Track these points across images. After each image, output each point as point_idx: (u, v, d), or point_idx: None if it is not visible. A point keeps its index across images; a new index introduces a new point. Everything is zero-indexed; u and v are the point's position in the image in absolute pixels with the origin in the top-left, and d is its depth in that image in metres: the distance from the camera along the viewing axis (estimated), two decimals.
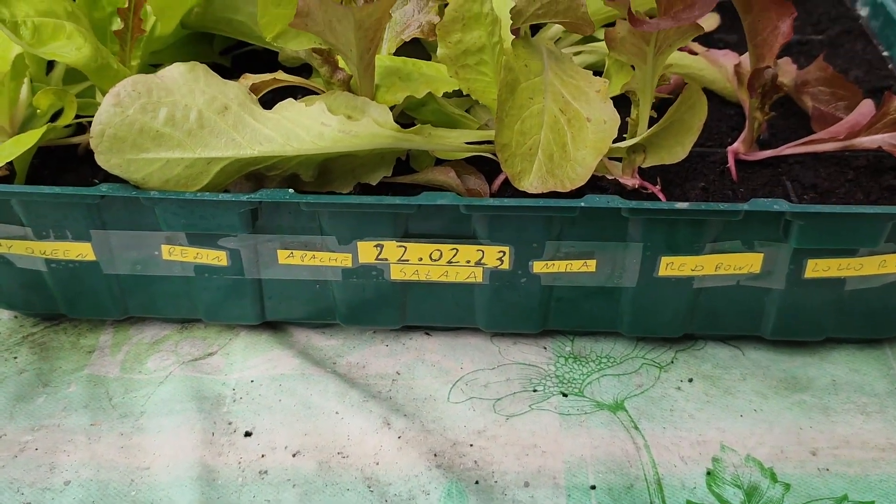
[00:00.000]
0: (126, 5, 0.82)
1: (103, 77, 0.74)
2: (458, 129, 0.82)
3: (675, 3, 0.70)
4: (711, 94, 0.97)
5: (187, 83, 0.73)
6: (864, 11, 1.11)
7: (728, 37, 1.08)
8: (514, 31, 0.81)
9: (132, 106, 0.71)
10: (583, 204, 0.74)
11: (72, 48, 0.72)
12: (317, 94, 0.85)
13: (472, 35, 0.75)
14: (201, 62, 0.95)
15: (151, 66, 0.92)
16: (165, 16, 0.86)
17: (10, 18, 0.70)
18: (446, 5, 0.81)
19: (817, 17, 1.12)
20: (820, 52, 1.06)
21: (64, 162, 0.87)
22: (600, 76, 0.96)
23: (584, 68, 0.97)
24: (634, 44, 0.75)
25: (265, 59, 0.99)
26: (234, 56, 1.02)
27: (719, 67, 0.96)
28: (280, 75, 0.83)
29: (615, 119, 0.80)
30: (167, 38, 0.89)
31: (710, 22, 1.05)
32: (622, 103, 0.82)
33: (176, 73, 0.73)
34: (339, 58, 0.79)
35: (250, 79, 0.82)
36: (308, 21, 0.71)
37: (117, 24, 0.84)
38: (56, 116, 0.83)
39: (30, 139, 0.77)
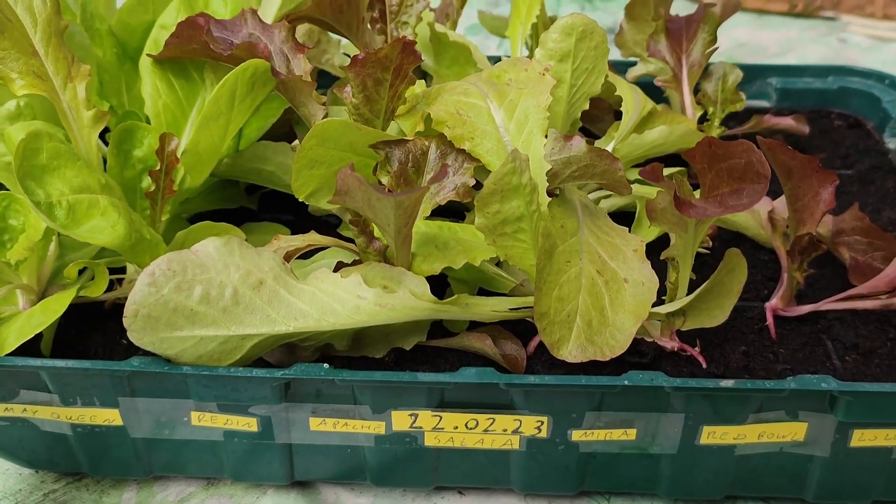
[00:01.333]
0: (158, 167, 0.81)
1: (137, 253, 0.73)
2: (495, 296, 0.81)
3: (719, 184, 0.69)
4: (744, 239, 0.96)
5: (222, 258, 0.72)
6: (892, 144, 1.11)
7: None
8: (550, 192, 0.81)
9: (167, 285, 0.70)
10: (626, 382, 0.72)
11: (106, 226, 0.71)
12: (349, 252, 0.84)
13: (511, 205, 0.73)
14: (229, 205, 0.95)
15: (180, 218, 0.91)
16: (196, 171, 0.85)
17: (46, 199, 0.68)
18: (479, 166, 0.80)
19: (845, 150, 1.11)
20: (850, 187, 1.06)
21: (90, 317, 0.85)
22: (633, 214, 0.96)
23: (617, 211, 0.97)
24: (676, 214, 0.74)
25: (293, 200, 0.98)
26: (261, 195, 1.01)
27: (752, 213, 0.95)
28: (313, 237, 0.82)
29: (653, 281, 0.78)
30: (196, 188, 0.88)
31: None
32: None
33: (211, 247, 0.72)
34: (374, 227, 0.78)
35: (283, 241, 0.81)
36: (347, 199, 0.70)
37: (148, 183, 0.83)
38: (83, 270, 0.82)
39: (59, 306, 0.76)
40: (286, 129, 0.98)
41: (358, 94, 0.82)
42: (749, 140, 1.12)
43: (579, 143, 0.80)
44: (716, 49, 1.04)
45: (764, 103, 1.21)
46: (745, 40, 1.70)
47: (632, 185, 0.97)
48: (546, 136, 0.80)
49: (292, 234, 0.97)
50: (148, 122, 0.88)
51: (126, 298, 0.82)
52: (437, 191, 0.80)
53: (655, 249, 0.82)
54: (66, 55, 0.78)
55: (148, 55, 0.87)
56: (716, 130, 1.03)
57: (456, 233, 0.80)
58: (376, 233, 0.78)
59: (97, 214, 0.71)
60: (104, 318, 0.85)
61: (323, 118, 0.86)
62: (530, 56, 1.15)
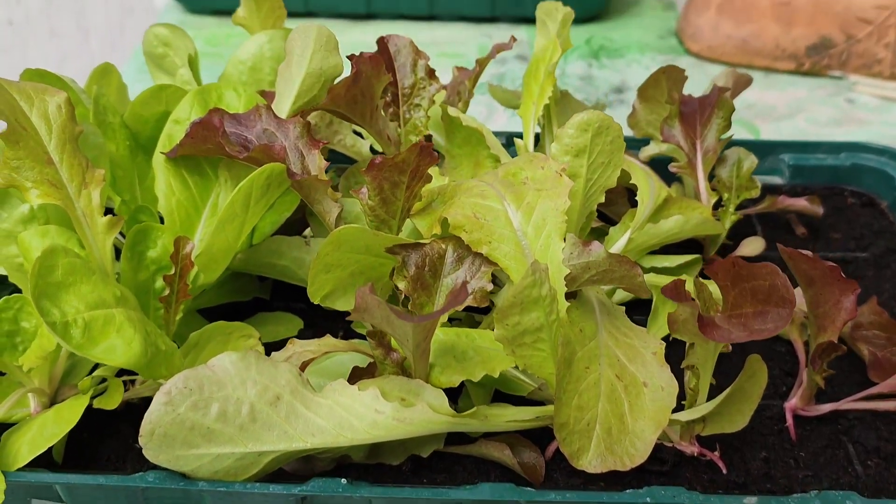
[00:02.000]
0: (172, 271, 0.80)
1: (152, 368, 0.72)
2: (513, 405, 0.80)
3: (742, 303, 0.68)
4: None
5: (239, 373, 0.71)
6: None
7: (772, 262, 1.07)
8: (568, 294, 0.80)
9: (183, 403, 0.69)
10: (648, 500, 0.71)
11: (121, 345, 0.70)
12: (367, 357, 0.83)
13: (531, 316, 0.73)
14: (242, 298, 0.95)
15: (193, 313, 0.91)
16: (210, 270, 0.85)
17: (61, 318, 0.68)
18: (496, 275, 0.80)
19: (860, 231, 1.11)
20: (866, 271, 1.05)
21: (102, 418, 0.84)
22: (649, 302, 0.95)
23: (633, 299, 0.97)
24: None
25: (305, 288, 0.97)
26: (273, 281, 1.01)
27: None
28: (328, 342, 0.81)
29: (673, 386, 0.78)
30: (210, 283, 0.88)
31: (754, 246, 1.04)
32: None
33: (227, 362, 0.71)
34: (392, 339, 0.77)
35: (298, 346, 0.80)
36: (366, 316, 0.69)
37: (162, 285, 0.82)
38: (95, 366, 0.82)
39: (72, 415, 0.75)
40: (299, 216, 0.97)
41: (374, 197, 0.81)
42: (764, 219, 1.12)
43: (598, 248, 0.80)
44: (731, 137, 1.04)
45: (777, 179, 1.21)
46: (754, 101, 1.70)
47: (648, 274, 0.97)
48: (564, 240, 0.79)
49: (305, 323, 0.97)
50: (160, 217, 0.88)
51: (139, 400, 0.82)
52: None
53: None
54: (80, 161, 0.78)
55: (161, 153, 0.86)
56: (731, 217, 1.03)
57: (474, 340, 0.79)
58: (394, 344, 0.77)
59: (113, 331, 0.70)
60: (116, 420, 0.84)
61: (337, 216, 0.85)
62: (542, 136, 1.15)
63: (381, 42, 1.07)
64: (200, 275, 0.85)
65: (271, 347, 0.92)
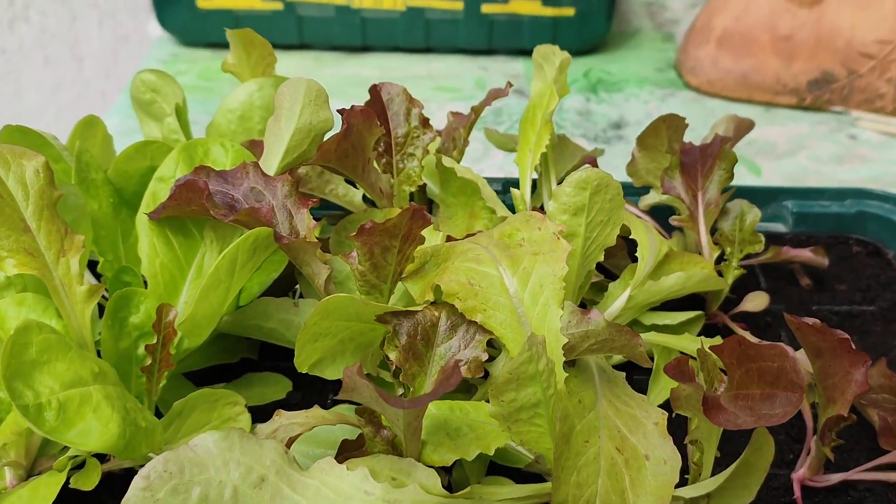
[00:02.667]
0: (154, 341, 0.77)
1: (130, 450, 0.69)
2: (509, 483, 0.77)
3: (749, 384, 0.65)
4: None
5: (221, 453, 0.68)
6: None
7: (777, 315, 1.04)
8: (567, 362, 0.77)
9: (163, 488, 0.66)
10: None
11: (97, 427, 0.66)
12: (354, 427, 0.80)
13: (527, 392, 0.69)
14: (229, 359, 0.91)
15: (178, 377, 0.87)
16: (194, 335, 0.82)
17: (34, 401, 0.64)
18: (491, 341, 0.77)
19: (866, 283, 1.08)
20: (873, 326, 1.02)
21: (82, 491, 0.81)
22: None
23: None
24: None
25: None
26: (261, 344, 0.97)
27: None
28: (316, 414, 0.78)
29: (676, 459, 0.74)
30: (195, 347, 0.85)
31: (758, 301, 1.01)
32: None
33: (210, 442, 0.68)
34: (383, 417, 0.74)
35: (284, 419, 0.77)
36: (354, 396, 0.66)
37: (143, 355, 0.79)
38: None
39: (48, 493, 0.72)
40: (289, 271, 0.94)
41: (364, 262, 0.78)
42: (768, 270, 1.09)
43: (597, 317, 0.77)
44: (733, 190, 1.01)
45: (780, 227, 1.18)
46: (755, 137, 1.67)
47: (649, 333, 0.94)
48: (562, 308, 0.76)
49: (294, 383, 0.93)
50: (144, 278, 0.85)
51: (121, 471, 0.78)
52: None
53: None
54: (58, 227, 0.75)
55: (145, 214, 0.83)
56: (734, 272, 0.99)
57: (468, 414, 0.76)
58: (384, 421, 0.74)
59: (89, 412, 0.67)
60: (97, 492, 0.81)
61: (327, 277, 0.82)
62: (539, 185, 1.12)
63: (374, 90, 1.04)
64: (185, 340, 0.82)
65: (259, 411, 0.89)
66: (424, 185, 1.10)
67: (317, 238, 0.98)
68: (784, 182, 1.55)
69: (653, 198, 1.10)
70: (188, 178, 0.81)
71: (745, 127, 1.17)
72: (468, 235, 0.91)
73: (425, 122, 1.04)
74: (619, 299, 0.94)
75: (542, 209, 1.08)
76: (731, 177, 1.00)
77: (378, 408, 0.68)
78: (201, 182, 0.80)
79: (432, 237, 0.94)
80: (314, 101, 0.89)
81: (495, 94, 1.11)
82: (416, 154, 1.04)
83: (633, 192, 1.13)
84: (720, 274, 1.00)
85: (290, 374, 0.94)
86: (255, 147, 1.04)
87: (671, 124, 1.06)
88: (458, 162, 1.13)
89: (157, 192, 0.86)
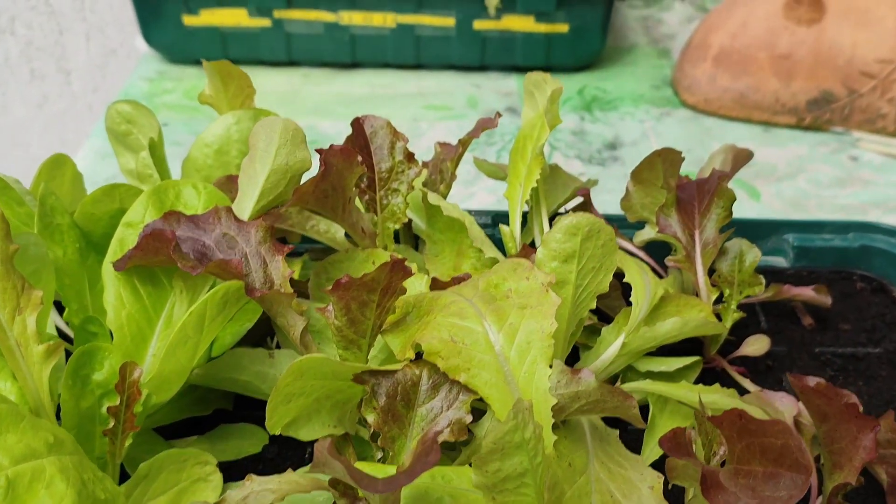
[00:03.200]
0: (117, 402, 0.72)
1: None
2: None
3: (750, 459, 0.61)
4: None
5: None
6: None
7: (778, 358, 0.99)
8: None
9: None
10: None
11: None
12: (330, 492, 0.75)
13: (513, 462, 0.65)
14: (202, 412, 0.87)
15: (149, 431, 0.83)
16: (162, 391, 0.77)
17: None
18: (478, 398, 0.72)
19: (871, 322, 1.03)
20: (878, 370, 0.97)
21: None
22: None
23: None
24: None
25: None
26: (236, 393, 0.93)
27: (774, 412, 0.87)
28: (289, 480, 0.73)
29: None
30: (164, 402, 0.80)
31: (759, 346, 0.96)
32: None
33: None
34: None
35: (256, 484, 0.72)
36: (326, 471, 0.62)
37: (107, 416, 0.74)
38: None
39: None
40: (265, 317, 0.90)
41: (341, 317, 0.74)
42: (768, 308, 1.05)
43: (588, 377, 0.73)
44: (732, 231, 0.96)
45: (780, 261, 1.14)
46: (754, 159, 1.63)
47: (643, 381, 0.90)
48: (551, 366, 0.72)
49: (270, 436, 0.89)
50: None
51: None
52: (428, 425, 0.72)
53: None
54: (14, 283, 0.70)
55: (111, 263, 0.78)
56: (732, 315, 0.95)
57: (450, 482, 0.71)
58: (360, 493, 0.69)
59: (41, 488, 0.62)
60: None
61: (303, 329, 0.78)
62: (529, 220, 1.07)
63: (357, 123, 1.00)
64: (152, 395, 0.78)
65: (233, 466, 0.85)
66: (410, 220, 1.06)
67: (296, 280, 0.95)
68: (784, 207, 1.50)
69: (648, 233, 1.06)
70: (155, 226, 0.77)
71: (743, 157, 1.12)
72: (455, 279, 0.87)
73: (410, 157, 1.00)
74: (612, 346, 0.89)
75: (532, 245, 1.03)
76: (730, 215, 0.96)
77: (352, 483, 0.63)
78: (168, 232, 0.75)
79: (417, 281, 0.90)
80: (290, 141, 0.85)
81: (484, 125, 1.07)
82: (401, 190, 1.00)
83: (627, 227, 1.08)
84: (718, 316, 0.95)
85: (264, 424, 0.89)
86: (233, 183, 1.00)
87: (667, 158, 1.02)
88: (446, 196, 1.08)
89: (125, 238, 0.81)
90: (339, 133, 1.68)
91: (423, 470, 0.59)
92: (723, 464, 0.66)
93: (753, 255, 0.96)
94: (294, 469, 0.75)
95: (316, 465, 0.61)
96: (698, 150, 1.66)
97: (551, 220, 1.13)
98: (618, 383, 0.92)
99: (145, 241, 0.76)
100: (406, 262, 0.74)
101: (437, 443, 0.60)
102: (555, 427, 0.72)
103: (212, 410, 0.88)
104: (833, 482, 0.71)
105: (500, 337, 0.73)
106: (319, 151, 0.86)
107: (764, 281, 0.95)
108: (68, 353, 0.82)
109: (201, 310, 0.72)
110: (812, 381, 0.69)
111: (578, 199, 1.11)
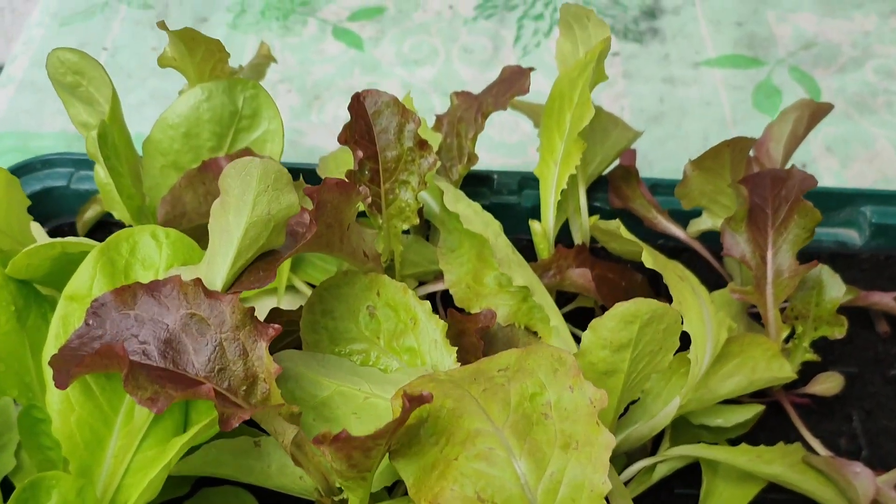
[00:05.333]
0: None
1: None
2: None
3: None
4: None
5: None
6: None
7: (847, 381, 0.85)
8: None
9: None
10: None
11: None
12: None
13: None
14: (179, 491, 0.75)
15: None
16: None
17: None
18: None
19: None
20: None
21: None
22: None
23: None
24: None
25: None
26: None
27: (847, 485, 0.74)
28: None
29: None
30: None
31: (830, 385, 0.82)
32: None
33: None
34: None
35: None
36: None
37: None
38: None
39: None
40: None
41: (341, 463, 0.59)
42: (843, 316, 0.88)
43: None
44: (816, 264, 0.78)
45: (853, 235, 0.97)
46: (811, 35, 1.41)
47: (698, 445, 0.77)
48: None
49: (259, 500, 0.76)
50: None
51: None
52: None
53: None
54: None
55: (51, 365, 0.63)
56: (804, 356, 0.80)
57: None
58: None
59: None
60: None
61: (293, 438, 0.64)
62: (564, 203, 0.90)
63: (356, 101, 0.81)
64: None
65: None
66: (420, 208, 0.88)
67: (282, 310, 0.79)
68: (845, 106, 1.30)
69: (704, 223, 0.89)
70: (105, 342, 0.61)
71: (821, 114, 0.93)
72: (477, 330, 0.72)
73: (422, 144, 0.81)
74: (665, 409, 0.75)
75: (568, 245, 0.86)
76: (811, 237, 0.79)
77: None
78: (119, 348, 0.59)
79: (430, 327, 0.75)
80: (273, 186, 0.67)
81: (511, 86, 0.87)
82: (411, 182, 0.82)
83: (680, 218, 0.91)
84: (786, 352, 0.81)
85: (253, 489, 0.77)
86: (211, 169, 0.82)
87: (736, 147, 0.83)
88: (463, 178, 0.90)
89: (69, 315, 0.65)
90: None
91: None
92: None
93: (837, 290, 0.79)
94: None
95: None
96: (751, 22, 1.43)
97: (590, 189, 0.95)
98: (664, 440, 0.79)
99: (92, 359, 0.60)
100: (423, 395, 0.58)
101: None
102: None
103: (188, 488, 0.75)
104: None
105: (539, 490, 0.59)
106: (309, 192, 0.68)
107: (846, 323, 0.80)
108: None
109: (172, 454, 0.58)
110: None
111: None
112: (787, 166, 0.89)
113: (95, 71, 0.86)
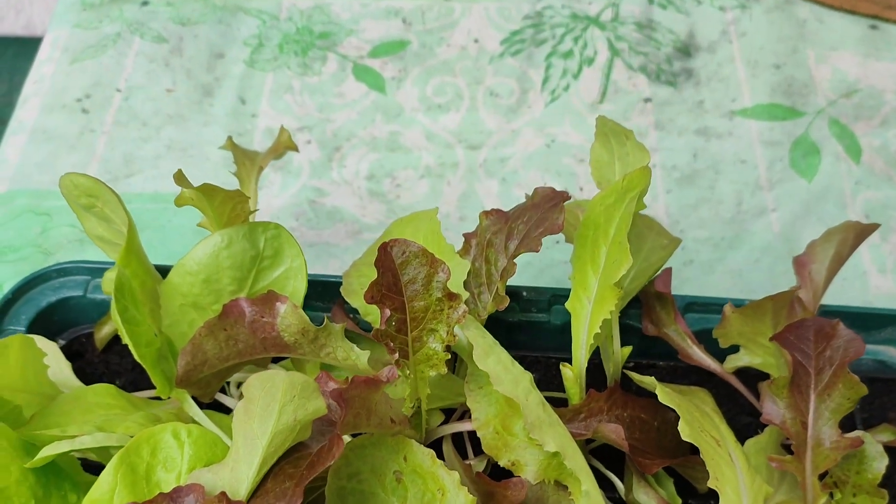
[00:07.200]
0: None
1: None
2: None
3: None
4: None
5: None
6: None
7: None
8: None
9: None
10: None
11: None
12: None
13: None
14: None
15: None
16: None
17: None
18: None
19: None
20: None
21: None
22: None
23: None
24: None
25: None
26: None
27: None
28: None
29: None
30: None
31: None
32: None
33: None
34: None
35: None
36: None
37: None
38: None
39: None
40: None
41: None
42: (884, 490, 0.84)
43: None
44: (858, 442, 0.76)
45: (892, 353, 0.94)
46: (854, 78, 1.35)
47: None
48: None
49: None
50: None
51: None
52: None
53: None
54: None
55: None
56: None
57: None
58: None
59: None
60: None
61: None
62: (601, 356, 0.87)
63: (384, 250, 0.77)
64: None
65: None
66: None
67: None
68: (885, 167, 1.26)
69: (743, 359, 0.86)
70: None
71: (867, 233, 0.89)
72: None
73: (451, 296, 0.78)
74: None
75: (601, 389, 0.84)
76: (853, 406, 0.76)
77: None
78: None
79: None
80: (299, 395, 0.64)
81: (543, 224, 0.83)
82: (439, 330, 0.79)
83: (718, 355, 0.88)
84: None
85: None
86: (233, 313, 0.80)
87: (779, 300, 0.80)
88: (492, 312, 0.87)
89: None
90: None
91: None
92: None
93: (881, 463, 0.77)
94: None
95: None
96: (790, 64, 1.37)
97: (626, 309, 0.92)
98: None
99: None
100: None
101: None
102: None
103: None
104: None
105: None
106: (336, 397, 0.65)
107: (887, 497, 0.77)
108: None
109: None
110: None
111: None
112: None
113: (110, 195, 0.83)
